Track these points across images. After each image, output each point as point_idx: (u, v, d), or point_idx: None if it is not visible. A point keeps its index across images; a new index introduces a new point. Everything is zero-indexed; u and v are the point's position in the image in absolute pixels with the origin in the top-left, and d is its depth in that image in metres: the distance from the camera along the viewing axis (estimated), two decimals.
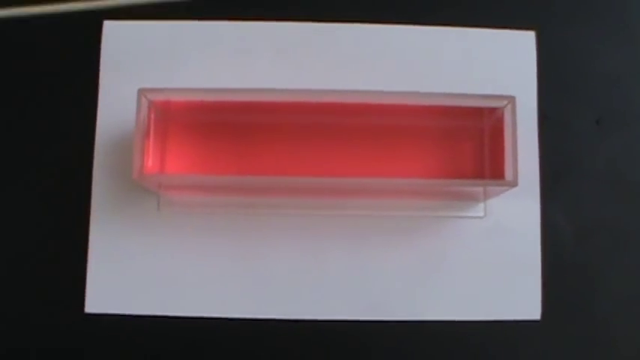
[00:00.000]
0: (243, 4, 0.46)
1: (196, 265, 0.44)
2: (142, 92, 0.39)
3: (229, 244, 0.44)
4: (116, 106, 0.44)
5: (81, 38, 0.46)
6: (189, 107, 0.42)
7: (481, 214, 0.44)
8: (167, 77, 0.45)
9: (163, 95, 0.40)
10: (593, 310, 0.44)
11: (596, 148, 0.46)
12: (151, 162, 0.40)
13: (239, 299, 0.44)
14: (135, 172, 0.38)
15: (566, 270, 0.44)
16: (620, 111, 0.46)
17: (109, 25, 0.46)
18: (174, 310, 0.44)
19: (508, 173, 0.39)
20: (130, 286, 0.44)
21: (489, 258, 0.44)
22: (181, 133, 0.42)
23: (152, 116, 0.40)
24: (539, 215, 0.44)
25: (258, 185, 0.42)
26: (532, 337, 0.44)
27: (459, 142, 0.43)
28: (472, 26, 0.46)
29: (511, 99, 0.39)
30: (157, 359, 0.44)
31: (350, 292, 0.44)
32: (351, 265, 0.44)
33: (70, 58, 0.46)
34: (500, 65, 0.46)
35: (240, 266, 0.44)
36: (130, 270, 0.44)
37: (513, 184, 0.39)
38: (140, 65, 0.45)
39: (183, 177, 0.42)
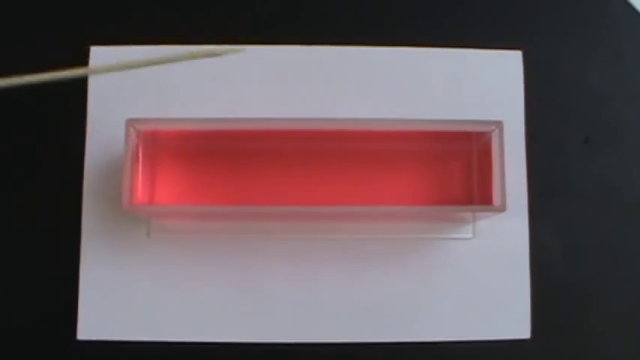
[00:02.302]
0: (231, 28, 0.46)
1: (188, 290, 0.44)
2: (129, 123, 0.39)
3: (221, 269, 0.44)
4: (105, 134, 0.44)
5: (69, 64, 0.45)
6: (179, 136, 0.43)
7: (470, 235, 0.45)
8: (157, 103, 0.45)
9: (151, 125, 0.40)
10: (582, 329, 0.45)
11: (585, 167, 0.46)
12: (140, 192, 0.40)
13: (232, 324, 0.44)
14: (124, 203, 0.38)
15: (555, 289, 0.45)
16: (608, 129, 0.46)
17: (96, 51, 0.45)
18: (166, 335, 0.44)
19: (496, 198, 0.39)
20: (122, 312, 0.44)
21: (478, 278, 0.44)
22: (171, 161, 0.42)
23: (140, 146, 0.40)
24: (528, 235, 0.45)
25: (248, 214, 0.42)
26: (522, 357, 0.44)
27: (447, 166, 0.43)
28: (458, 47, 0.46)
29: (498, 124, 0.40)
30: None
31: (341, 315, 0.44)
32: (343, 288, 0.44)
33: (58, 84, 0.45)
34: (487, 85, 0.46)
35: (232, 291, 0.44)
36: (121, 296, 0.44)
37: (501, 209, 0.39)
38: (129, 91, 0.45)
39: (172, 207, 0.42)
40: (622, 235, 0.45)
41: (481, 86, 0.46)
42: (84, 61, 0.45)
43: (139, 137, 0.40)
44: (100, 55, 0.46)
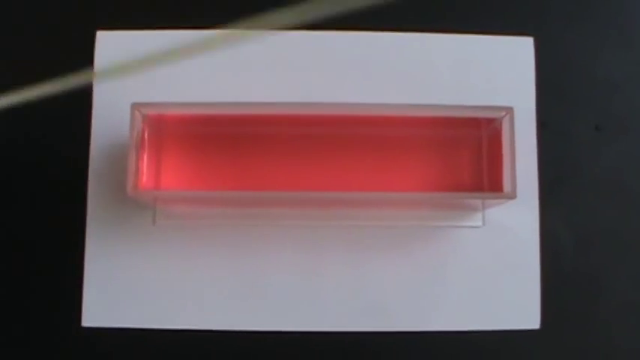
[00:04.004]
0: (237, 13, 0.46)
1: (193, 277, 0.44)
2: (135, 107, 0.39)
3: (226, 256, 0.44)
4: (110, 119, 0.44)
5: (75, 48, 0.45)
6: (185, 120, 0.42)
7: (479, 223, 0.44)
8: (163, 87, 0.45)
9: (157, 109, 0.40)
10: (593, 319, 0.44)
11: (596, 155, 0.45)
12: (145, 177, 0.40)
13: (237, 311, 0.44)
14: (129, 188, 0.38)
15: (565, 278, 0.44)
16: (619, 117, 0.46)
17: (102, 35, 0.45)
18: (171, 323, 0.43)
19: (506, 185, 0.39)
20: (127, 299, 0.43)
21: (488, 267, 0.44)
22: (177, 146, 0.42)
23: (146, 131, 0.40)
24: (538, 223, 0.44)
25: (254, 200, 0.41)
26: (531, 347, 0.44)
27: (456, 152, 0.42)
28: (469, 33, 0.45)
29: (509, 109, 0.39)
30: None
31: (349, 303, 0.44)
32: (350, 276, 0.44)
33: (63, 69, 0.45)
34: (498, 72, 0.45)
35: (238, 278, 0.44)
36: (126, 283, 0.43)
37: (511, 196, 0.38)
38: (135, 75, 0.45)
39: (177, 192, 0.42)
40: (633, 224, 0.45)
41: (492, 73, 0.45)
42: (90, 46, 0.45)
43: (145, 121, 0.40)
44: (106, 40, 0.45)
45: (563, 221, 0.44)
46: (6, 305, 0.44)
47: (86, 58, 0.45)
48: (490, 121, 0.41)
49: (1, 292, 0.44)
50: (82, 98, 0.44)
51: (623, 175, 0.45)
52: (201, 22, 0.45)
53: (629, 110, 0.46)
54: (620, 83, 0.46)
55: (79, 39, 0.45)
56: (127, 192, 0.38)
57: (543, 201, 0.44)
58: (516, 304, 0.44)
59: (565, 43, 0.46)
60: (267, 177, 0.42)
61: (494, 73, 0.45)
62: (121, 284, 0.43)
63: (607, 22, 0.46)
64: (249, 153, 0.42)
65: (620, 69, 0.46)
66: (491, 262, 0.44)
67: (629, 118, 0.46)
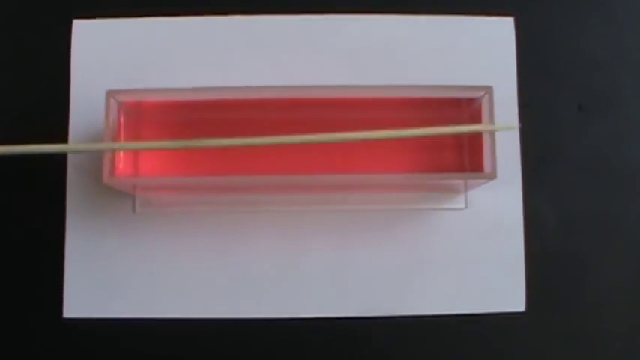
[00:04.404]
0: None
1: (176, 266, 0.43)
2: (110, 94, 0.38)
3: (209, 243, 0.43)
4: (88, 107, 0.44)
5: (53, 37, 0.45)
6: (162, 106, 0.42)
7: (462, 205, 0.44)
8: (141, 75, 0.44)
9: (133, 96, 0.40)
10: (578, 300, 0.44)
11: (579, 134, 0.45)
12: (122, 165, 0.39)
13: (220, 299, 0.43)
14: (105, 176, 0.38)
15: (550, 260, 0.44)
16: (602, 96, 0.45)
17: (78, 24, 0.45)
18: (154, 312, 0.43)
19: (487, 166, 0.38)
20: (108, 289, 0.43)
21: (472, 250, 0.43)
22: (155, 133, 0.41)
23: (122, 118, 0.39)
24: (522, 205, 0.44)
25: (235, 184, 0.41)
26: (517, 330, 0.43)
27: (444, 135, 0.42)
28: (449, 14, 0.45)
29: (488, 89, 0.39)
30: None
31: (333, 289, 0.43)
32: (334, 260, 0.43)
33: (40, 58, 0.45)
34: (478, 53, 0.45)
35: (221, 265, 0.43)
36: (107, 273, 0.43)
37: (492, 176, 0.38)
38: (113, 64, 0.44)
39: (154, 179, 0.41)
40: (618, 204, 0.44)
41: (472, 54, 0.45)
42: (66, 35, 0.45)
43: (121, 109, 0.39)
44: (83, 28, 0.45)
45: (547, 201, 0.44)
46: None
47: (63, 48, 0.44)
48: (470, 102, 0.40)
49: None
50: (60, 87, 0.44)
51: (607, 154, 0.45)
52: (177, 9, 0.44)
53: (611, 89, 0.45)
54: (603, 62, 0.45)
55: (55, 28, 0.45)
56: (103, 179, 0.38)
57: (527, 181, 0.44)
58: (501, 287, 0.43)
59: (546, 23, 0.46)
60: (248, 162, 0.41)
61: (475, 54, 0.45)
62: (103, 274, 0.43)
63: (587, 0, 0.46)
64: (230, 138, 0.41)
65: (602, 47, 0.45)
66: (475, 245, 0.43)
67: (612, 97, 0.45)
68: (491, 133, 0.38)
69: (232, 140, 0.36)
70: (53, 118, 0.44)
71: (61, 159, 0.43)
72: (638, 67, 0.45)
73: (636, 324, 0.44)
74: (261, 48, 0.45)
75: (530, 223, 0.44)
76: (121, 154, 0.39)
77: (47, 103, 0.44)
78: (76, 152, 0.43)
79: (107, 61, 0.44)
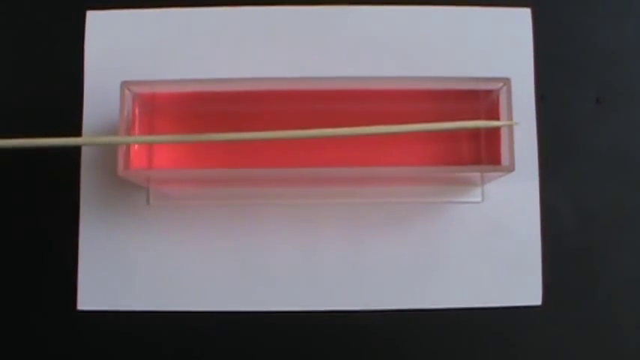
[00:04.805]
0: None
1: (189, 258, 0.43)
2: (125, 85, 0.38)
3: (222, 236, 0.43)
4: (102, 99, 0.43)
5: (66, 28, 0.44)
6: (177, 98, 0.41)
7: (479, 198, 0.43)
8: (155, 66, 0.44)
9: (148, 88, 0.39)
10: (595, 294, 0.43)
11: (597, 127, 0.44)
12: (136, 157, 0.39)
13: (234, 292, 0.43)
14: (119, 168, 0.37)
15: (567, 254, 0.43)
16: (620, 88, 0.45)
17: (92, 15, 0.44)
18: (167, 305, 0.43)
19: (505, 158, 0.38)
20: (122, 282, 0.43)
21: (488, 243, 0.43)
22: (169, 124, 0.41)
23: (137, 109, 0.39)
24: (539, 198, 0.43)
25: (249, 177, 0.40)
26: (533, 324, 0.43)
27: (456, 129, 0.41)
28: (466, 5, 0.45)
29: (506, 81, 0.38)
30: (151, 355, 0.43)
31: (348, 282, 0.43)
32: (349, 254, 0.43)
33: (55, 49, 0.45)
34: (495, 45, 0.44)
35: (234, 258, 0.43)
36: (121, 266, 0.43)
37: (510, 169, 0.37)
38: (126, 55, 0.44)
39: (169, 171, 0.41)
40: (635, 197, 0.44)
41: (489, 46, 0.44)
42: (80, 26, 0.44)
43: (135, 100, 0.39)
44: (96, 20, 0.44)
45: (563, 195, 0.44)
46: (1, 290, 0.43)
47: (77, 40, 0.44)
48: (488, 94, 0.40)
49: None
50: (73, 79, 0.44)
51: (625, 147, 0.44)
52: (190, 1, 0.44)
53: (630, 81, 0.45)
54: (620, 54, 0.45)
55: (69, 20, 0.44)
56: (118, 172, 0.37)
57: (543, 175, 0.44)
58: (517, 280, 0.43)
59: (563, 14, 0.45)
60: (262, 154, 0.41)
61: (492, 45, 0.44)
62: (116, 267, 0.43)
63: None
64: (244, 130, 0.41)
65: (619, 39, 0.45)
66: (491, 238, 0.43)
67: (631, 89, 0.45)
68: (510, 127, 0.37)
69: (246, 134, 0.36)
70: (67, 109, 0.43)
71: (74, 151, 0.43)
72: None
73: None
74: (276, 39, 0.44)
75: (547, 217, 0.43)
76: (136, 146, 0.39)
77: (61, 95, 0.44)
78: (88, 145, 0.43)
79: (121, 53, 0.44)
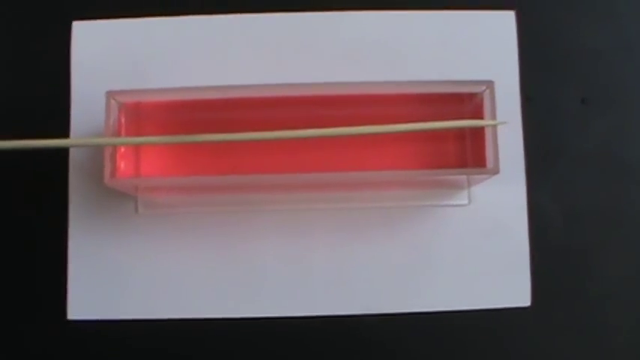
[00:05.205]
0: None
1: (179, 266, 0.43)
2: (110, 95, 0.38)
3: (212, 243, 0.43)
4: (89, 109, 0.43)
5: (52, 39, 0.45)
6: (163, 106, 0.41)
7: (465, 201, 0.43)
8: (141, 75, 0.44)
9: (133, 97, 0.40)
10: (584, 295, 0.44)
11: (583, 128, 0.45)
12: (124, 165, 0.39)
13: (225, 299, 0.43)
14: (106, 177, 0.37)
15: (555, 255, 0.43)
16: (606, 89, 0.45)
17: (78, 26, 0.45)
18: (158, 313, 0.43)
19: (489, 161, 0.38)
20: (112, 291, 0.43)
21: (476, 246, 0.43)
22: (156, 133, 0.41)
23: (123, 119, 0.39)
24: (526, 199, 0.43)
25: (237, 184, 0.41)
26: (523, 326, 0.43)
27: (439, 129, 0.41)
28: (450, 9, 0.45)
29: (489, 84, 0.38)
30: None
31: (337, 287, 0.43)
32: (337, 259, 0.43)
33: (41, 60, 0.45)
34: (479, 47, 0.44)
35: (224, 265, 0.43)
36: (111, 275, 0.43)
37: (495, 171, 0.37)
38: (113, 65, 0.44)
39: (156, 179, 0.41)
40: (622, 198, 0.44)
41: (474, 48, 0.45)
42: (66, 37, 0.44)
43: (121, 109, 0.39)
44: (82, 30, 0.45)
45: (550, 196, 0.44)
46: None
47: (63, 50, 0.44)
48: (472, 97, 0.40)
49: None
50: (60, 88, 0.44)
51: (611, 148, 0.44)
52: (176, 9, 0.44)
53: (615, 81, 0.45)
54: (605, 54, 0.45)
55: (55, 30, 0.45)
56: (104, 181, 0.37)
57: (530, 176, 0.44)
58: (506, 282, 0.43)
59: (547, 16, 0.45)
60: (250, 161, 0.41)
61: (477, 48, 0.45)
62: (106, 275, 0.43)
63: None
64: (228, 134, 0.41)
65: (604, 40, 0.45)
66: (479, 241, 0.43)
67: (616, 89, 0.45)
68: (494, 128, 0.38)
69: (230, 135, 0.36)
70: (54, 119, 0.44)
71: (63, 161, 0.43)
72: None
73: None
74: (260, 46, 0.44)
75: (535, 218, 0.43)
76: (122, 156, 0.39)
77: (48, 105, 0.44)
78: (76, 146, 0.43)
79: (107, 62, 0.44)
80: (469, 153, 0.41)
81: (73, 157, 0.43)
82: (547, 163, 0.44)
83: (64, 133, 0.43)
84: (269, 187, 0.42)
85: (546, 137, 0.44)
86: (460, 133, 0.41)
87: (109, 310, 0.43)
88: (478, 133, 0.39)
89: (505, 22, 0.45)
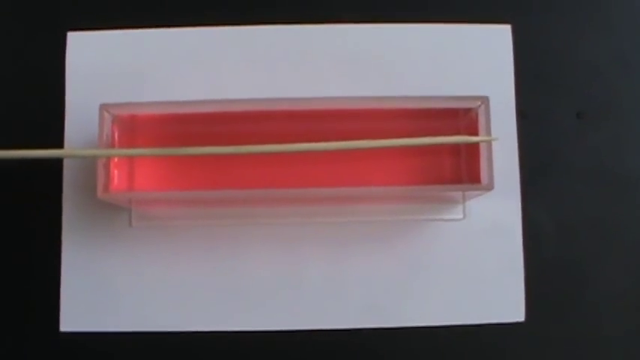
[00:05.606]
0: (212, 9, 0.45)
1: (172, 279, 0.43)
2: (103, 107, 0.38)
3: (205, 256, 0.43)
4: (83, 120, 0.43)
5: (47, 50, 0.44)
6: (157, 119, 0.41)
7: (460, 216, 0.43)
8: (135, 86, 0.44)
9: (127, 110, 0.39)
10: (578, 309, 0.43)
11: (578, 142, 0.44)
12: (117, 179, 0.39)
13: (218, 312, 0.43)
14: (99, 190, 0.37)
15: (550, 269, 0.43)
16: (601, 103, 0.45)
17: (73, 37, 0.44)
18: (151, 325, 0.43)
19: (484, 177, 0.38)
20: (105, 303, 0.43)
21: (471, 260, 0.43)
22: (149, 146, 0.41)
23: (116, 132, 0.39)
24: (521, 214, 0.43)
25: (230, 198, 0.40)
26: (517, 341, 0.43)
27: (434, 145, 0.41)
28: (446, 22, 0.45)
29: (484, 99, 0.38)
30: None
31: (331, 301, 0.43)
32: (332, 273, 0.43)
33: (36, 71, 0.45)
34: (475, 62, 0.44)
35: (218, 278, 0.43)
36: (104, 287, 0.43)
37: (489, 187, 0.37)
38: (107, 76, 0.44)
39: (149, 193, 0.41)
40: (616, 212, 0.44)
41: (470, 63, 0.45)
42: (61, 48, 0.44)
43: (115, 122, 0.39)
44: (77, 41, 0.44)
45: (545, 210, 0.44)
46: None
47: (57, 61, 0.44)
48: (467, 112, 0.40)
49: None
50: (54, 101, 0.44)
51: (606, 162, 0.44)
52: (172, 21, 0.44)
53: (610, 95, 0.45)
54: (601, 69, 0.45)
55: (50, 41, 0.44)
56: (97, 194, 0.37)
57: (525, 191, 0.44)
58: (500, 298, 0.43)
59: (543, 31, 0.45)
60: (243, 175, 0.41)
61: (473, 62, 0.44)
62: (99, 288, 0.43)
63: (584, 8, 0.46)
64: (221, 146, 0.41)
65: (599, 54, 0.45)
66: (473, 255, 0.43)
67: (611, 104, 0.45)
68: (488, 144, 0.38)
69: (223, 148, 0.36)
70: (48, 131, 0.43)
71: (56, 174, 0.43)
72: (636, 74, 0.45)
73: (636, 331, 0.43)
74: (255, 59, 0.44)
75: (529, 233, 0.43)
76: (115, 169, 0.39)
77: (42, 116, 0.44)
78: (69, 157, 0.43)
79: (102, 73, 0.44)
80: (464, 168, 0.40)
81: (67, 169, 0.43)
82: (542, 178, 0.44)
83: (59, 144, 0.43)
84: (263, 200, 0.42)
85: (541, 151, 0.44)
86: (455, 148, 0.41)
87: (101, 322, 0.43)
88: (473, 149, 0.39)
89: (501, 36, 0.45)
